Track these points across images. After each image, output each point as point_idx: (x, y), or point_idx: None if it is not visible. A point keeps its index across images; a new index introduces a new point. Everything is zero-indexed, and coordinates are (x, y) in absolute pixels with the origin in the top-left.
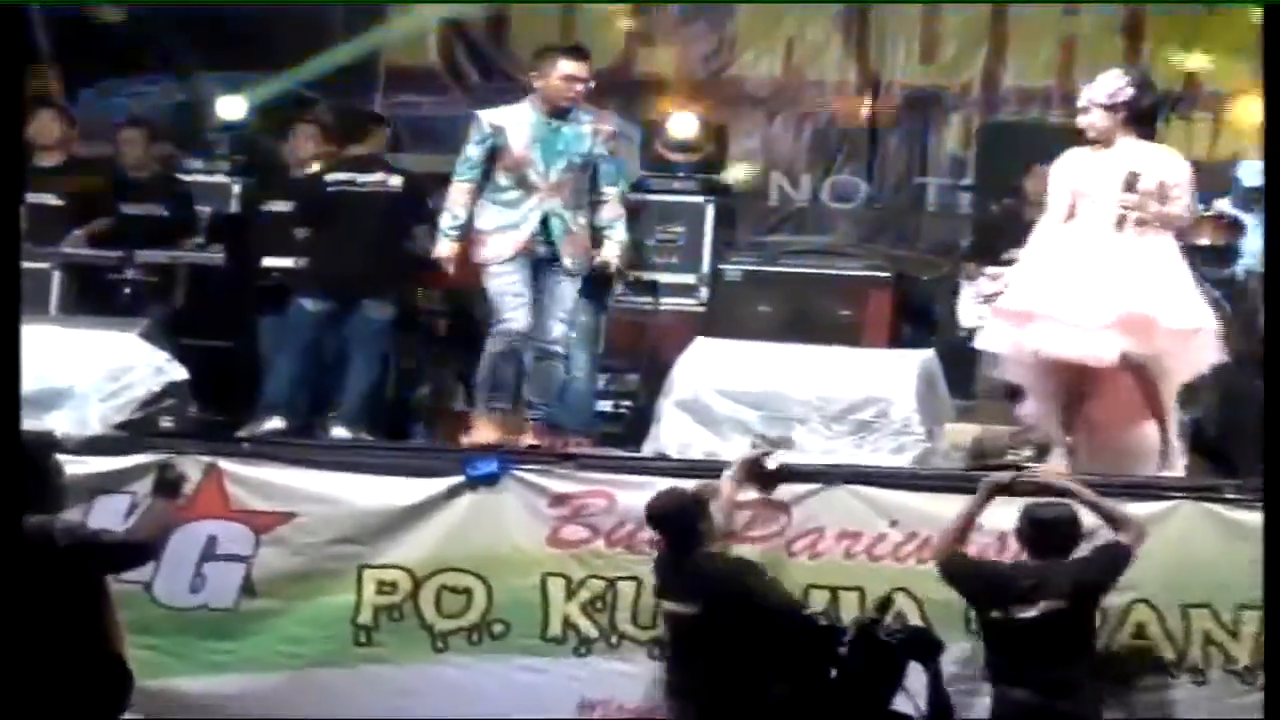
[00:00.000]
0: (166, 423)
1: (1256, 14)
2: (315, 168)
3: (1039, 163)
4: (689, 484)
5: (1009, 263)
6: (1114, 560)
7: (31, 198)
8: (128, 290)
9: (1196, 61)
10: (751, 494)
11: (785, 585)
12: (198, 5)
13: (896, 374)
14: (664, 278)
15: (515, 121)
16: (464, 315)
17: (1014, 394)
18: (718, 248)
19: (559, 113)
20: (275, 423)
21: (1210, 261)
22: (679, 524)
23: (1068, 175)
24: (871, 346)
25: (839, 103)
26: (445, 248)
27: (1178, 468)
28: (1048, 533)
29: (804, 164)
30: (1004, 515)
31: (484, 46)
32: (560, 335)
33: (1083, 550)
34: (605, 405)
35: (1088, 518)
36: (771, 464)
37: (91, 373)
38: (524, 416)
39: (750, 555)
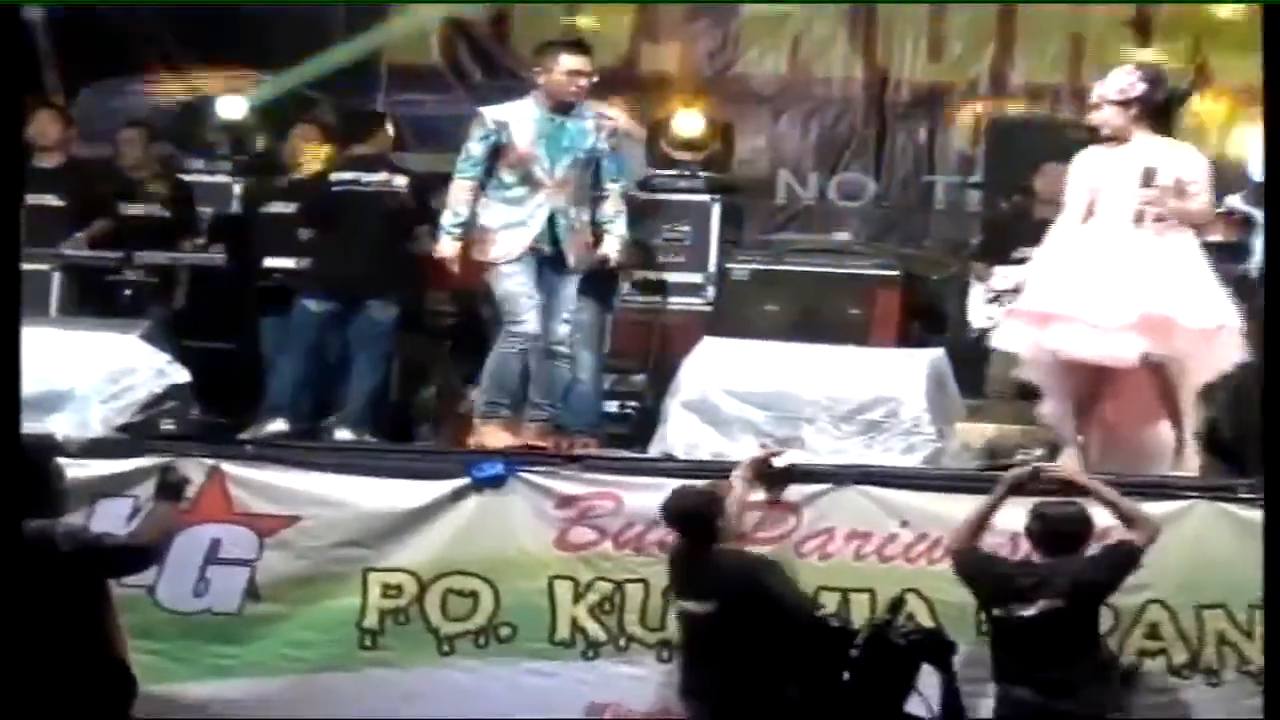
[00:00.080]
0: (168, 425)
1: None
2: (315, 168)
3: (1049, 160)
4: (700, 483)
5: (1019, 261)
6: (1119, 560)
7: (31, 199)
8: (128, 291)
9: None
10: (760, 494)
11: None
12: (198, 5)
13: (906, 373)
14: (670, 277)
15: (519, 118)
16: (469, 315)
17: (1025, 393)
18: (724, 247)
19: (562, 108)
20: (278, 425)
21: (1222, 259)
22: (696, 521)
23: (1085, 174)
24: (880, 346)
25: (846, 100)
26: (448, 246)
27: (1191, 467)
28: (1056, 531)
29: (811, 162)
30: (1016, 515)
31: (487, 44)
32: (565, 335)
33: (1093, 550)
34: (611, 406)
35: (1102, 517)
36: (780, 463)
37: (92, 375)
38: (530, 418)
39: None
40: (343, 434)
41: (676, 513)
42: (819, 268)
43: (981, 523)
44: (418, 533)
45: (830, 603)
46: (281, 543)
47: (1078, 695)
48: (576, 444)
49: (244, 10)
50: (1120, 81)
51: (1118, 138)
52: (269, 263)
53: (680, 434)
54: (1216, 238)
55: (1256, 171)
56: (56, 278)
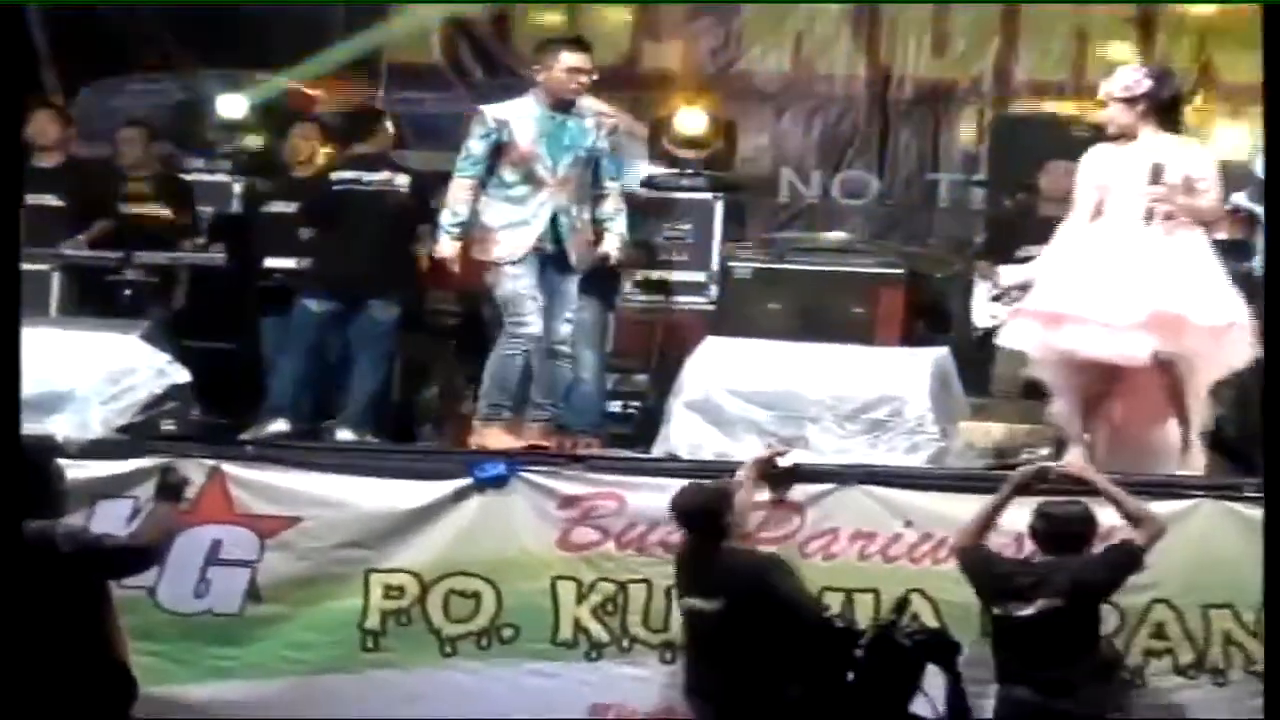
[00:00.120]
0: (169, 426)
1: None
2: (315, 167)
3: (1053, 157)
4: (710, 480)
5: (1024, 259)
6: (1120, 560)
7: (30, 199)
8: (128, 292)
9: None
10: (764, 494)
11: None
12: (197, 4)
13: (910, 372)
14: (673, 276)
15: (519, 116)
16: (473, 315)
17: (1030, 392)
18: (727, 245)
19: (562, 106)
20: (279, 425)
21: (1227, 257)
22: (705, 518)
23: (1093, 172)
24: (884, 344)
25: (849, 97)
26: (447, 246)
27: (1197, 466)
28: (1060, 531)
29: (814, 160)
30: (1021, 515)
31: (488, 43)
32: (567, 334)
33: (1096, 549)
34: (614, 406)
35: (1107, 517)
36: (785, 463)
37: (92, 375)
38: (532, 418)
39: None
40: (344, 434)
41: (686, 509)
42: (822, 266)
43: (988, 521)
44: (419, 533)
45: (834, 603)
46: (283, 544)
47: (1077, 695)
48: (579, 444)
49: (244, 10)
50: (1126, 79)
51: (1125, 135)
52: (269, 262)
53: (683, 434)
54: (1222, 236)
55: (1261, 168)
56: (56, 278)
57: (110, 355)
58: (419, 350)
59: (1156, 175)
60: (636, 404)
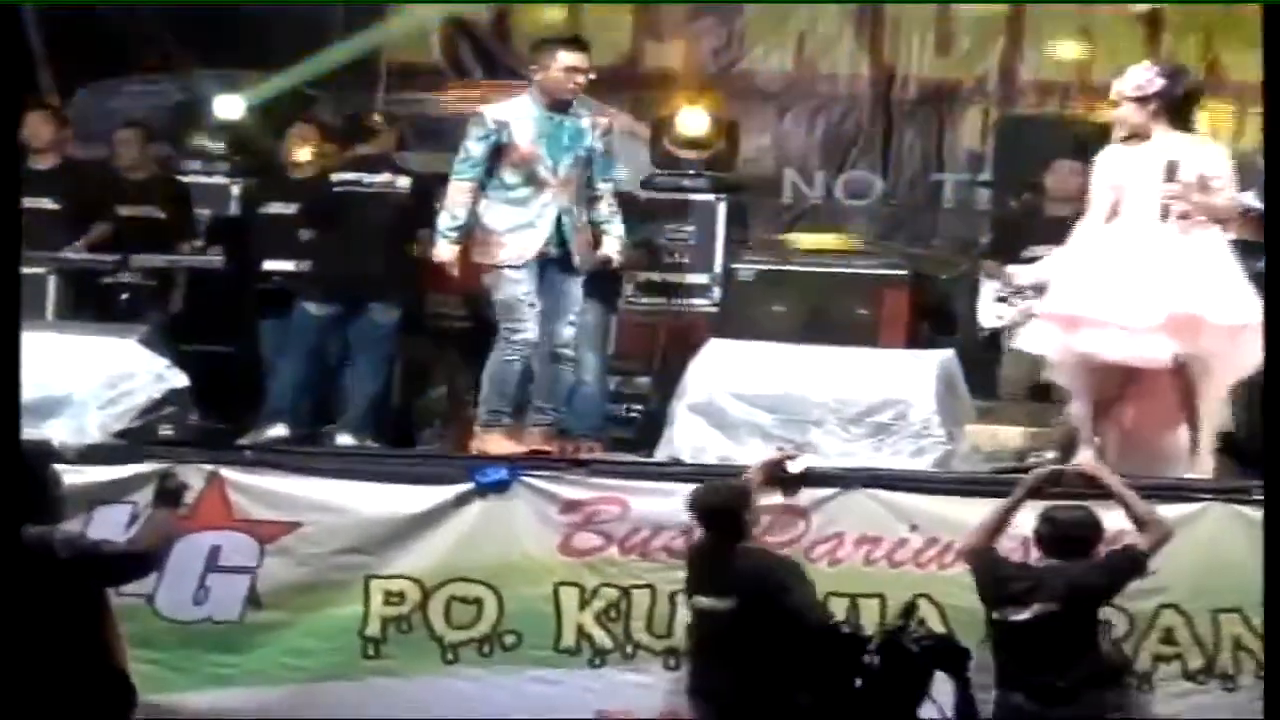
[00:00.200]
0: (167, 431)
1: None
2: (312, 167)
3: (1059, 157)
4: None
5: (1030, 259)
6: (1121, 565)
7: (26, 201)
8: (126, 295)
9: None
10: (770, 499)
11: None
12: (196, 4)
13: (915, 375)
14: (675, 278)
15: (518, 116)
16: (478, 318)
17: (1037, 394)
18: (730, 246)
19: (559, 106)
20: (278, 430)
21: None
22: (725, 517)
23: (1107, 173)
24: (889, 347)
25: (852, 97)
26: (446, 250)
27: (1206, 469)
28: (1065, 535)
29: (817, 160)
30: (1028, 520)
31: (488, 43)
32: (570, 337)
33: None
34: (616, 409)
35: (1114, 521)
36: (795, 468)
37: (90, 380)
38: (533, 422)
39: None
40: (344, 439)
41: (706, 507)
42: (826, 268)
43: (1000, 524)
44: (420, 539)
45: (840, 608)
46: (282, 549)
47: (1073, 701)
48: (581, 448)
49: (243, 10)
50: (1138, 78)
51: (1138, 135)
52: (268, 265)
53: (687, 438)
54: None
55: None
56: (53, 281)
57: (108, 359)
58: (420, 353)
59: (1171, 173)
60: (639, 407)
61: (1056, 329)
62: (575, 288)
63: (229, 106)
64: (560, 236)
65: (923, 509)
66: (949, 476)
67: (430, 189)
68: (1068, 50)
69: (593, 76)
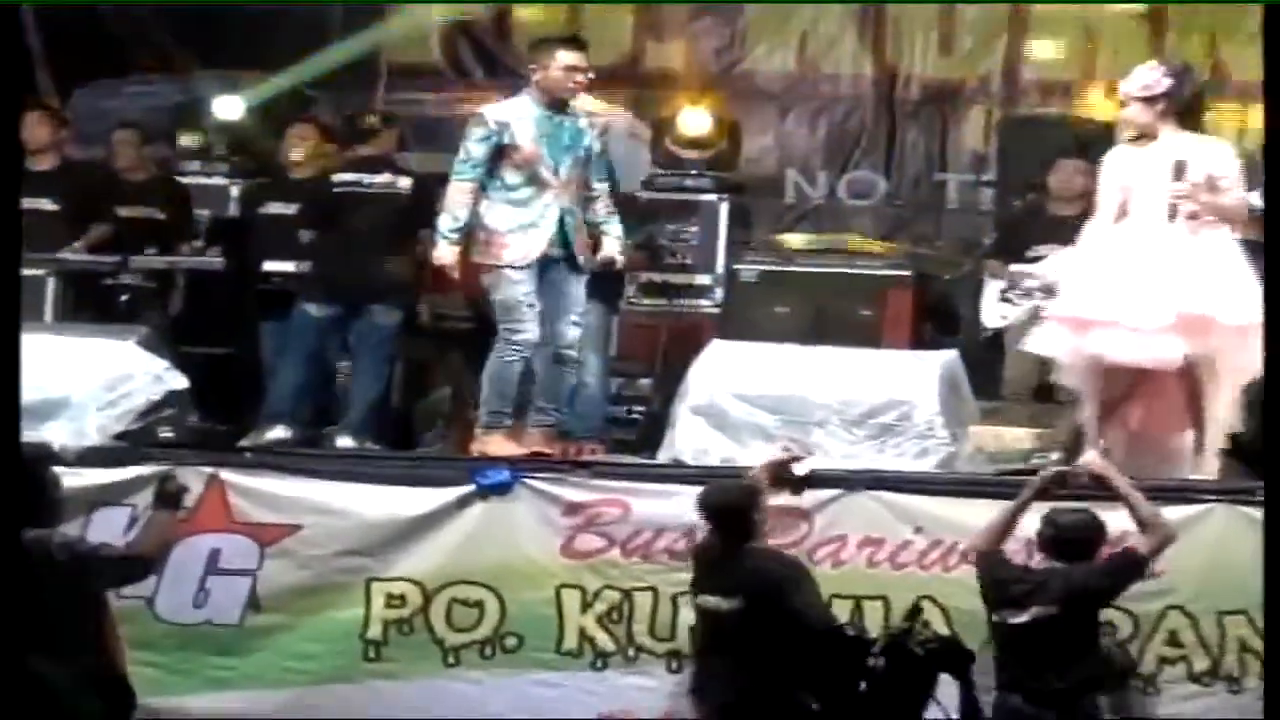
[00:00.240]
0: (166, 433)
1: None
2: (311, 167)
3: (1062, 156)
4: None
5: (1033, 259)
6: (1121, 567)
7: (25, 203)
8: (125, 297)
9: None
10: (773, 500)
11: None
12: (195, 4)
13: (919, 376)
14: (677, 278)
15: (519, 116)
16: (475, 319)
17: (1041, 395)
18: (732, 247)
19: (558, 106)
20: (278, 432)
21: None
22: (735, 516)
23: (1115, 174)
24: (892, 347)
25: (855, 97)
26: (446, 252)
27: (1211, 470)
28: (1067, 537)
29: (820, 160)
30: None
31: (488, 43)
32: (574, 338)
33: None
34: (618, 411)
35: (1119, 523)
36: (801, 469)
37: (89, 382)
38: (535, 423)
39: None
40: (344, 441)
41: (715, 506)
42: (829, 268)
43: (1007, 525)
44: (422, 541)
45: (843, 611)
46: (283, 552)
47: (1072, 703)
48: (583, 450)
49: (243, 10)
50: (1145, 78)
51: (1145, 135)
52: (268, 266)
53: (689, 439)
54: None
55: None
56: (51, 283)
57: (107, 361)
58: (421, 355)
59: (1179, 173)
60: (641, 409)
61: (1066, 331)
62: (578, 288)
63: (228, 107)
64: (563, 237)
65: (926, 511)
66: (953, 478)
67: (430, 189)
68: (1071, 50)
69: (592, 76)
